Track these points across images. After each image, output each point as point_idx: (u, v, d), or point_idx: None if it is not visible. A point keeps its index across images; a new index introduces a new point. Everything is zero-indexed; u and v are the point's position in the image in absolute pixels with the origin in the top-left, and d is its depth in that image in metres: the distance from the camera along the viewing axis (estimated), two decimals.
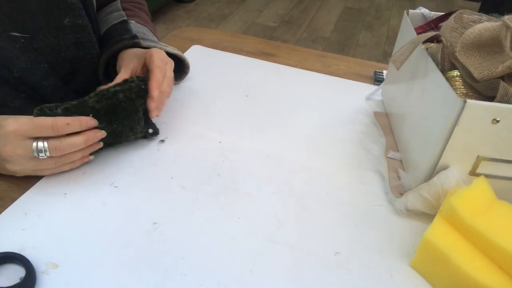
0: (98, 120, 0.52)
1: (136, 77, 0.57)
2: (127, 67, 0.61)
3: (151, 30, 0.73)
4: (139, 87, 0.56)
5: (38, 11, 0.57)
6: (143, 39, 0.65)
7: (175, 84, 0.75)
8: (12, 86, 0.59)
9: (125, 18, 0.68)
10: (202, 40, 0.92)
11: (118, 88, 0.54)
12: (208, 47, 0.89)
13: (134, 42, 0.64)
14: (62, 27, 0.60)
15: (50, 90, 0.62)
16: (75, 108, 0.51)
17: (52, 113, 0.50)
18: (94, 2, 0.65)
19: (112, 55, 0.65)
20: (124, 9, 0.69)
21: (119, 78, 0.58)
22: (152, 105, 0.56)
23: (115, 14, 0.68)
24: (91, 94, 0.53)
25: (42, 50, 0.59)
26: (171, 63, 0.63)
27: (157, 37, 0.74)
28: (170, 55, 0.70)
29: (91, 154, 0.55)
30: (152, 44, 0.66)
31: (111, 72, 0.67)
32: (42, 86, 0.61)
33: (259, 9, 3.22)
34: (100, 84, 0.64)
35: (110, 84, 0.55)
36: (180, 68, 0.75)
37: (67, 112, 0.50)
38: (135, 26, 0.68)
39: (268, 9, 3.21)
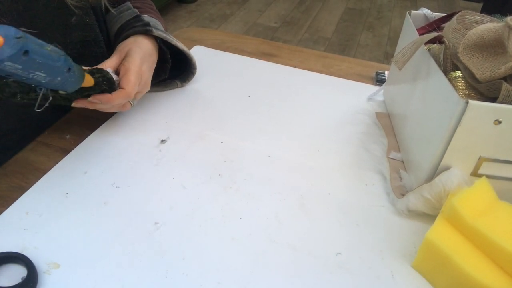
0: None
1: (103, 75, 0.54)
2: (121, 52, 0.60)
3: (162, 24, 0.72)
4: (102, 89, 0.54)
5: (46, 9, 0.57)
6: (155, 28, 0.65)
7: (181, 87, 0.75)
8: None
9: (138, 13, 0.68)
10: (204, 40, 0.92)
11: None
12: (210, 47, 0.89)
13: (145, 29, 0.63)
14: (69, 25, 0.60)
15: None
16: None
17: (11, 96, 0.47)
18: (102, 3, 0.65)
19: None
20: (135, 8, 0.69)
21: (104, 64, 0.58)
22: (84, 103, 0.55)
23: (128, 12, 0.68)
24: None
25: None
26: (145, 89, 0.63)
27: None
28: (173, 54, 0.70)
29: None
30: (164, 34, 0.65)
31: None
32: None
33: (261, 9, 3.22)
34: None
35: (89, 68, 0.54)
36: (187, 69, 0.74)
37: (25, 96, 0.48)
38: (148, 18, 0.68)
39: (269, 10, 3.22)
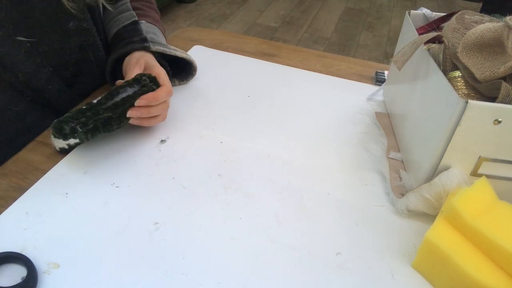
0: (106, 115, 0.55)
1: (148, 76, 0.59)
2: (140, 64, 0.62)
3: (161, 30, 0.73)
4: (150, 89, 0.58)
5: (43, 16, 0.57)
6: (153, 42, 0.65)
7: (182, 84, 0.76)
8: (17, 90, 0.59)
9: (136, 18, 0.68)
10: (204, 40, 0.92)
11: (130, 92, 0.56)
12: (209, 47, 0.89)
13: (143, 46, 0.64)
14: (67, 31, 0.60)
15: (54, 94, 0.63)
16: (91, 120, 0.53)
17: (71, 133, 0.52)
18: (101, 5, 0.65)
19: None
20: (134, 9, 0.69)
21: (130, 75, 0.59)
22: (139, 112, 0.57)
23: (125, 15, 0.67)
24: (102, 99, 0.55)
25: (46, 54, 0.59)
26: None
27: (165, 37, 0.74)
28: (173, 56, 0.70)
29: None
30: (161, 48, 0.66)
31: (117, 73, 0.67)
32: (47, 89, 0.61)
33: (260, 9, 3.22)
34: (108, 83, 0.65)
35: (123, 82, 0.57)
36: (187, 70, 0.75)
37: (86, 129, 0.53)
38: (146, 27, 0.68)
39: (269, 10, 3.22)
